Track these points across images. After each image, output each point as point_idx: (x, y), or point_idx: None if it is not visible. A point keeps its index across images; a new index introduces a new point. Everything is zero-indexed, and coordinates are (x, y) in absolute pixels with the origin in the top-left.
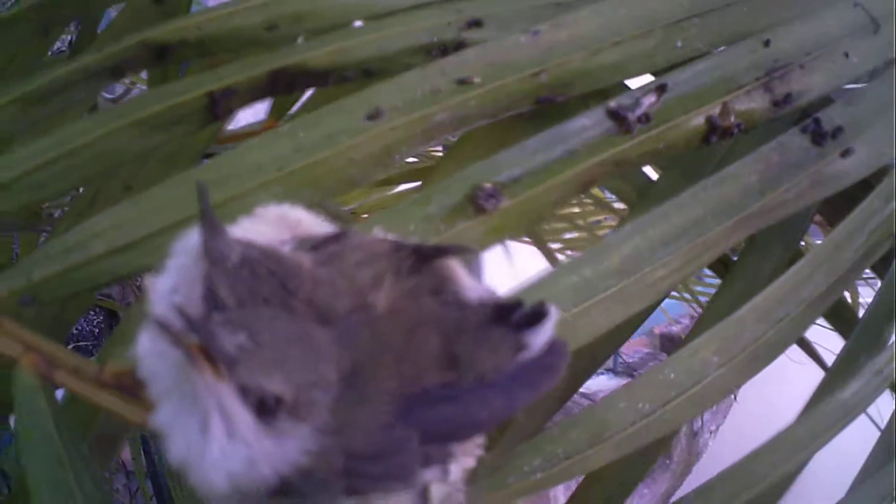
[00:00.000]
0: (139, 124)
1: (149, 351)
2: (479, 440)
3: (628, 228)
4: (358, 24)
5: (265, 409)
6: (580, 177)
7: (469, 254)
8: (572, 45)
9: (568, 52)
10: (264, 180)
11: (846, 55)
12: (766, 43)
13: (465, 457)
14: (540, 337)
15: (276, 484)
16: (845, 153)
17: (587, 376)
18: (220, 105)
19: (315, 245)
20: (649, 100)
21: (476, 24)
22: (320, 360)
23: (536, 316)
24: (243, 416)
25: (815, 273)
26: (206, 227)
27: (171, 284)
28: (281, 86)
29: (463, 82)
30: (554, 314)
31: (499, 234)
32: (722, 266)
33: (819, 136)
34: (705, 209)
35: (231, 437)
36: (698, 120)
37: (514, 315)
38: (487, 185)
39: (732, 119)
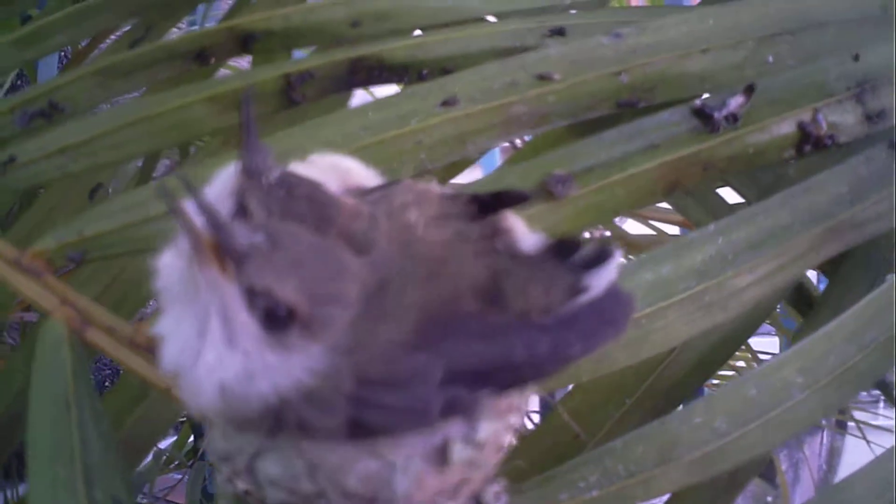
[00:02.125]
0: (216, 100)
1: (168, 264)
2: (519, 403)
3: (712, 228)
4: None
5: (275, 319)
6: (661, 172)
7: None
8: (657, 48)
9: (652, 55)
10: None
11: None
12: (856, 58)
13: (499, 420)
14: (601, 280)
15: (272, 405)
16: None
17: (677, 403)
18: (296, 89)
19: (363, 193)
20: (737, 100)
21: (559, 32)
22: (344, 276)
23: (599, 257)
24: (247, 322)
25: None
26: (246, 139)
27: (206, 199)
28: (358, 77)
29: (542, 77)
30: (619, 257)
31: (572, 224)
32: (806, 304)
33: None
34: (793, 215)
35: (230, 343)
36: (789, 125)
37: (574, 254)
38: (559, 172)
39: (824, 128)
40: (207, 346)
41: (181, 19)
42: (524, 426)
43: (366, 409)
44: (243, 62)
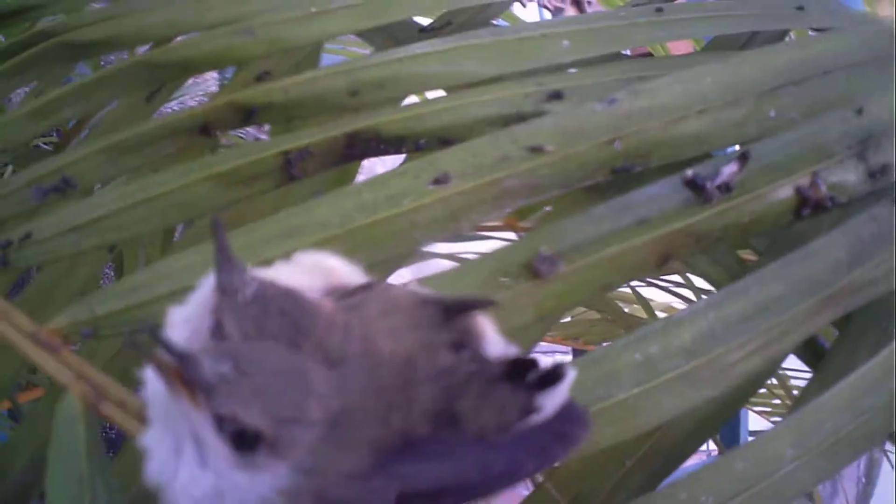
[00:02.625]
0: (218, 178)
1: (151, 378)
2: None
3: (702, 304)
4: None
5: (243, 441)
6: (652, 247)
7: (495, 306)
8: (651, 113)
9: (646, 120)
10: (328, 236)
11: None
12: (860, 111)
13: None
14: (553, 399)
15: None
16: None
17: (670, 471)
18: (296, 166)
19: (343, 294)
20: (730, 168)
21: (556, 96)
22: (309, 398)
23: (552, 377)
24: (217, 446)
25: None
26: (219, 260)
27: (185, 315)
28: (356, 150)
29: (534, 150)
30: (571, 376)
31: (559, 301)
32: (814, 356)
33: None
34: (788, 285)
35: (202, 464)
36: (786, 191)
37: (528, 374)
38: (544, 251)
39: (824, 190)
40: (182, 466)
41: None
42: None
43: None
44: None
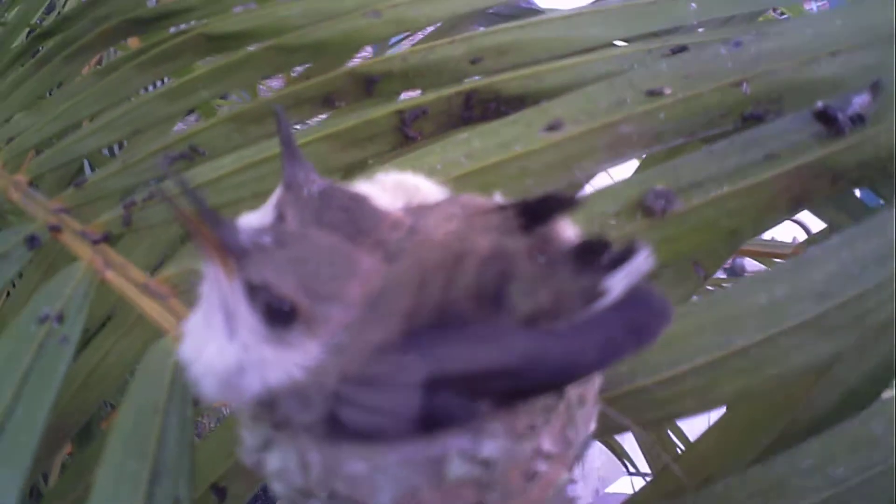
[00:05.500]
0: (335, 138)
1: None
2: (554, 428)
3: (835, 241)
4: None
5: (277, 314)
6: (783, 183)
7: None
8: (781, 54)
9: (775, 62)
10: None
11: None
12: None
13: (517, 441)
14: (622, 281)
15: (264, 398)
16: None
17: None
18: (410, 126)
19: (419, 208)
20: (862, 99)
21: (681, 49)
22: (350, 277)
23: (624, 256)
24: (248, 318)
25: None
26: (285, 154)
27: (254, 216)
28: (474, 111)
29: (653, 93)
30: (646, 255)
31: (676, 245)
32: None
33: None
34: None
35: (231, 336)
36: None
37: (599, 256)
38: (659, 187)
39: None
40: (209, 339)
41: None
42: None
43: (343, 407)
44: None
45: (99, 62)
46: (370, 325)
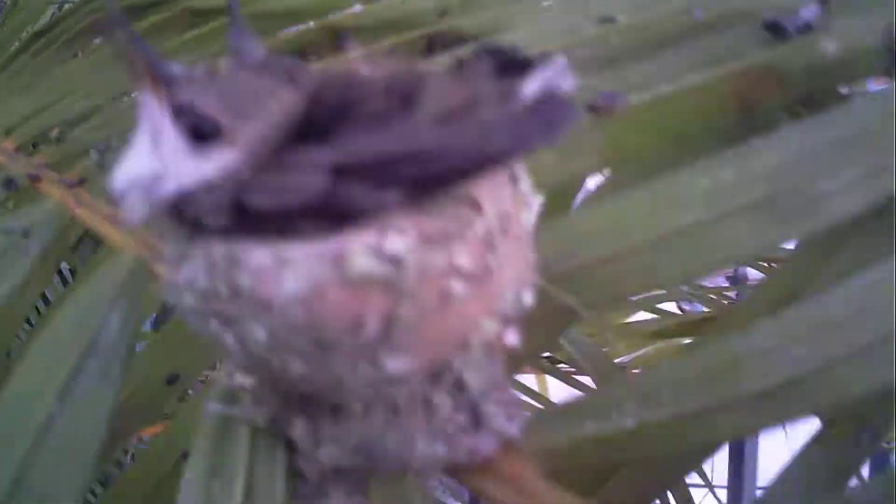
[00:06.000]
0: None
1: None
2: (456, 231)
3: (783, 132)
4: None
5: (200, 133)
6: (731, 84)
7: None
8: None
9: None
10: None
11: None
12: None
13: (429, 246)
14: (533, 84)
15: (175, 202)
16: None
17: None
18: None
19: None
20: (810, 9)
21: None
22: (271, 99)
23: (538, 64)
24: (171, 136)
25: None
26: (232, 24)
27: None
28: (436, 52)
29: (606, 20)
30: (561, 63)
31: (622, 143)
32: None
33: None
34: (885, 116)
35: (152, 153)
36: (874, 33)
37: (517, 68)
38: (605, 90)
39: None
40: (133, 155)
41: None
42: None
43: (251, 193)
44: None
45: None
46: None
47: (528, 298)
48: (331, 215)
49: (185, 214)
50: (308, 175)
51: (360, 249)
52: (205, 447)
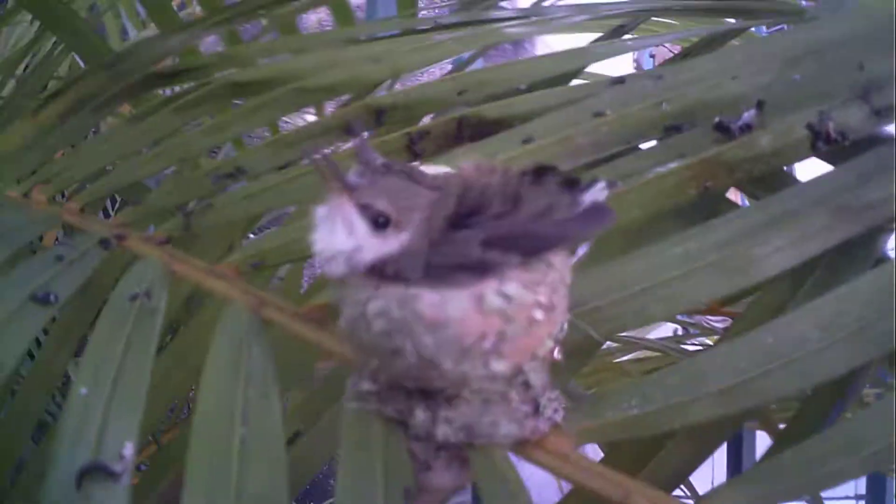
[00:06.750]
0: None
1: (318, 210)
2: (547, 288)
3: (730, 215)
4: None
5: (378, 222)
6: (690, 173)
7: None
8: (691, 81)
9: (687, 87)
10: None
11: None
12: (861, 67)
13: (526, 289)
14: (588, 196)
15: (373, 266)
16: None
17: None
18: (417, 144)
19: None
20: (750, 113)
21: (619, 81)
22: (418, 195)
23: (590, 184)
24: (359, 223)
25: None
26: (360, 145)
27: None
28: (465, 132)
29: (597, 114)
30: (603, 184)
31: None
32: None
33: None
34: (803, 201)
35: (349, 235)
36: (799, 127)
37: (575, 185)
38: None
39: (831, 126)
40: (335, 237)
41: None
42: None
43: (434, 258)
44: None
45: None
46: (439, 218)
47: (566, 328)
48: (479, 270)
49: (384, 272)
50: (470, 247)
51: (491, 291)
52: (350, 432)
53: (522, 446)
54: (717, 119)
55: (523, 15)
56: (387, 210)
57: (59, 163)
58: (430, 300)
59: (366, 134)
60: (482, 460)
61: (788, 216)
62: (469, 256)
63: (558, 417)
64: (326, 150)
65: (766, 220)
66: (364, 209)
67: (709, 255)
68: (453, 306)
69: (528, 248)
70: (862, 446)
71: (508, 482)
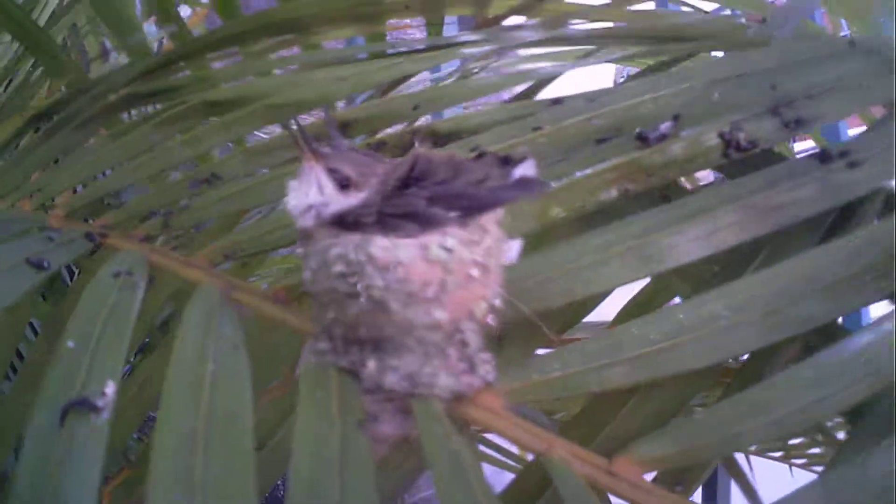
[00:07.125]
0: None
1: (291, 184)
2: (477, 242)
3: (644, 213)
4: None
5: (343, 184)
6: (613, 175)
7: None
8: (618, 101)
9: (614, 106)
10: None
11: (861, 85)
12: (773, 87)
13: (465, 246)
14: (518, 170)
15: (337, 216)
16: (852, 165)
17: None
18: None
19: None
20: (666, 125)
21: (557, 102)
22: (375, 165)
23: (520, 161)
24: (327, 183)
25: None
26: (332, 134)
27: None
28: (420, 144)
29: (536, 129)
30: (532, 161)
31: (548, 208)
32: None
33: (826, 157)
34: (718, 199)
35: (319, 194)
36: (711, 136)
37: (508, 162)
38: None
39: (742, 135)
40: (310, 195)
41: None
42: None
43: (387, 208)
44: None
45: None
46: (392, 182)
47: (499, 302)
48: (423, 222)
49: (344, 221)
50: (417, 202)
51: (434, 243)
52: (308, 378)
53: (458, 401)
54: (637, 130)
55: (485, 38)
56: (350, 174)
57: (42, 179)
58: (382, 244)
59: (335, 121)
60: (423, 409)
61: (702, 212)
62: (416, 208)
63: (491, 377)
64: (303, 122)
65: (682, 216)
66: (331, 172)
67: (626, 243)
68: (402, 252)
69: (466, 206)
70: (769, 410)
71: (443, 425)
